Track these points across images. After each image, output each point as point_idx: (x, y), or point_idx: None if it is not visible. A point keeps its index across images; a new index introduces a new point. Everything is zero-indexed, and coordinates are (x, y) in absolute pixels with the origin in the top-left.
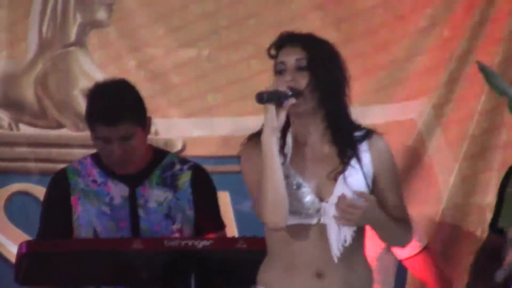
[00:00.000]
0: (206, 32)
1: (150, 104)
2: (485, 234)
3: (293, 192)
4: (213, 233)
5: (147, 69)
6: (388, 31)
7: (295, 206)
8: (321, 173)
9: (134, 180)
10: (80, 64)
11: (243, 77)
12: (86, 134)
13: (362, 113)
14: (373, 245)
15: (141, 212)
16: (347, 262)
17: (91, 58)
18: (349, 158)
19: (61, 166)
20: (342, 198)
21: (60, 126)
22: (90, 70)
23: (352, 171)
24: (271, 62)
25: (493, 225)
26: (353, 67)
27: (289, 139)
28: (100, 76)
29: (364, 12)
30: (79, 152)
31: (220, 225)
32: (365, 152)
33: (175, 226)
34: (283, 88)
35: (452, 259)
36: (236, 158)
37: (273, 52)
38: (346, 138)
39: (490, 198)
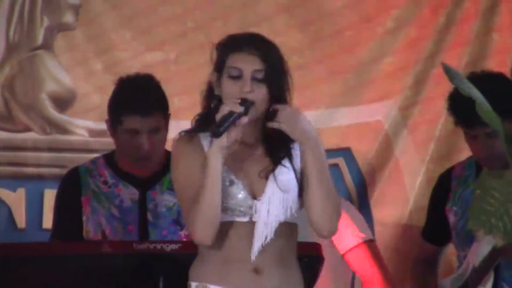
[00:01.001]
0: (173, 35)
1: None
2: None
3: (226, 189)
4: None
5: (114, 72)
6: (354, 33)
7: (227, 203)
8: (253, 172)
9: (145, 184)
10: (47, 67)
11: None
12: (53, 137)
13: (329, 115)
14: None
15: (150, 216)
16: (282, 261)
17: (58, 61)
18: (281, 157)
19: (28, 169)
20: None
21: (27, 129)
22: (57, 73)
23: (283, 169)
24: None
25: (425, 234)
26: (320, 69)
27: (223, 137)
28: (67, 79)
29: (330, 14)
30: (46, 156)
31: None
32: (297, 151)
33: (183, 232)
34: (235, 104)
35: None
36: None
37: (225, 51)
38: (280, 139)
39: None
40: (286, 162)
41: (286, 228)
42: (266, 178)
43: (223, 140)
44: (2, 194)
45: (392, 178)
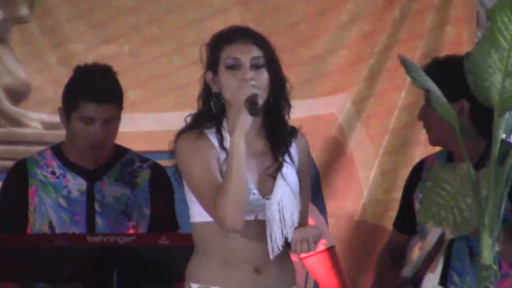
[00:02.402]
0: (127, 28)
1: None
2: None
3: None
4: (167, 232)
5: (68, 65)
6: (309, 25)
7: None
8: (259, 170)
9: (93, 175)
10: (2, 60)
11: (164, 73)
12: (7, 130)
13: None
14: None
15: (97, 207)
16: (280, 258)
17: (13, 54)
18: (284, 154)
19: None
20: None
21: None
22: (12, 66)
23: (289, 167)
24: (192, 57)
25: (395, 223)
26: None
27: (226, 135)
28: (21, 72)
29: (285, 7)
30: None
31: (174, 225)
32: (294, 148)
33: (131, 223)
34: (249, 87)
35: (371, 254)
36: (158, 153)
37: (218, 45)
38: (281, 135)
39: None
40: (287, 158)
41: None
42: (273, 176)
43: (246, 125)
44: None
45: (346, 171)
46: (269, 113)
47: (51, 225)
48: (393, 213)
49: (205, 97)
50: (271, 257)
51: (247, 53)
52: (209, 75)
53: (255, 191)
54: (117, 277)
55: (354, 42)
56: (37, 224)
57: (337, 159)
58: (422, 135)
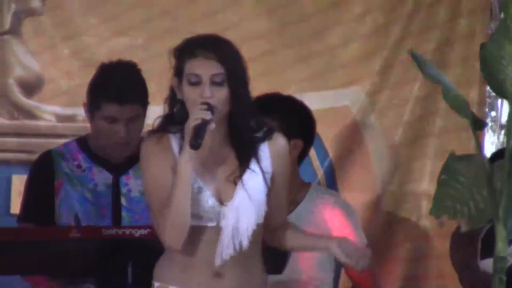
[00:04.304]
0: (140, 20)
1: (84, 92)
2: (420, 222)
3: (194, 196)
4: None
5: (81, 58)
6: (322, 18)
7: (196, 209)
8: (220, 176)
9: (119, 168)
10: (15, 52)
11: None
12: (21, 122)
13: None
14: None
15: (123, 201)
16: (243, 264)
17: (25, 47)
18: (248, 161)
19: None
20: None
21: None
22: (25, 58)
23: (252, 174)
24: None
25: None
26: (288, 55)
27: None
28: (34, 64)
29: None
30: (13, 141)
31: None
32: (265, 152)
33: None
34: (204, 112)
35: (386, 246)
36: None
37: (182, 57)
38: (245, 141)
39: (424, 185)
40: (254, 164)
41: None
42: (234, 182)
43: (191, 152)
44: None
45: (360, 163)
46: (232, 122)
47: (77, 219)
48: (407, 205)
49: (171, 101)
50: (217, 263)
51: (208, 70)
52: (175, 81)
53: (211, 199)
54: (132, 269)
55: (368, 35)
56: (63, 217)
57: (351, 151)
58: (436, 127)
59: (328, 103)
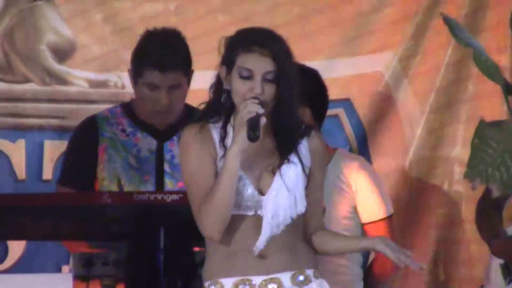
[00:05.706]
0: None
1: (116, 57)
2: (453, 187)
3: None
4: None
5: (113, 23)
6: None
7: (235, 198)
8: (260, 166)
9: (163, 134)
10: (47, 18)
11: (209, 31)
12: (53, 88)
13: (329, 66)
14: (341, 205)
15: (167, 167)
16: (284, 246)
17: (58, 12)
18: (289, 153)
19: (27, 120)
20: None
21: (27, 80)
22: (57, 24)
23: (291, 165)
24: (238, 15)
25: None
26: (320, 20)
27: (230, 131)
28: (67, 30)
29: None
30: (45, 107)
31: None
32: (304, 147)
33: None
34: (256, 105)
35: (418, 212)
36: None
37: (235, 48)
38: (287, 135)
39: (456, 150)
40: (293, 157)
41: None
42: (274, 172)
43: (245, 143)
44: (2, 145)
45: (392, 129)
46: (276, 117)
47: (120, 184)
48: (439, 171)
49: (216, 89)
50: (258, 249)
51: (261, 67)
52: (223, 71)
53: (250, 188)
54: (164, 234)
55: (400, 0)
56: (105, 182)
57: (383, 117)
58: (469, 92)
59: (360, 69)
